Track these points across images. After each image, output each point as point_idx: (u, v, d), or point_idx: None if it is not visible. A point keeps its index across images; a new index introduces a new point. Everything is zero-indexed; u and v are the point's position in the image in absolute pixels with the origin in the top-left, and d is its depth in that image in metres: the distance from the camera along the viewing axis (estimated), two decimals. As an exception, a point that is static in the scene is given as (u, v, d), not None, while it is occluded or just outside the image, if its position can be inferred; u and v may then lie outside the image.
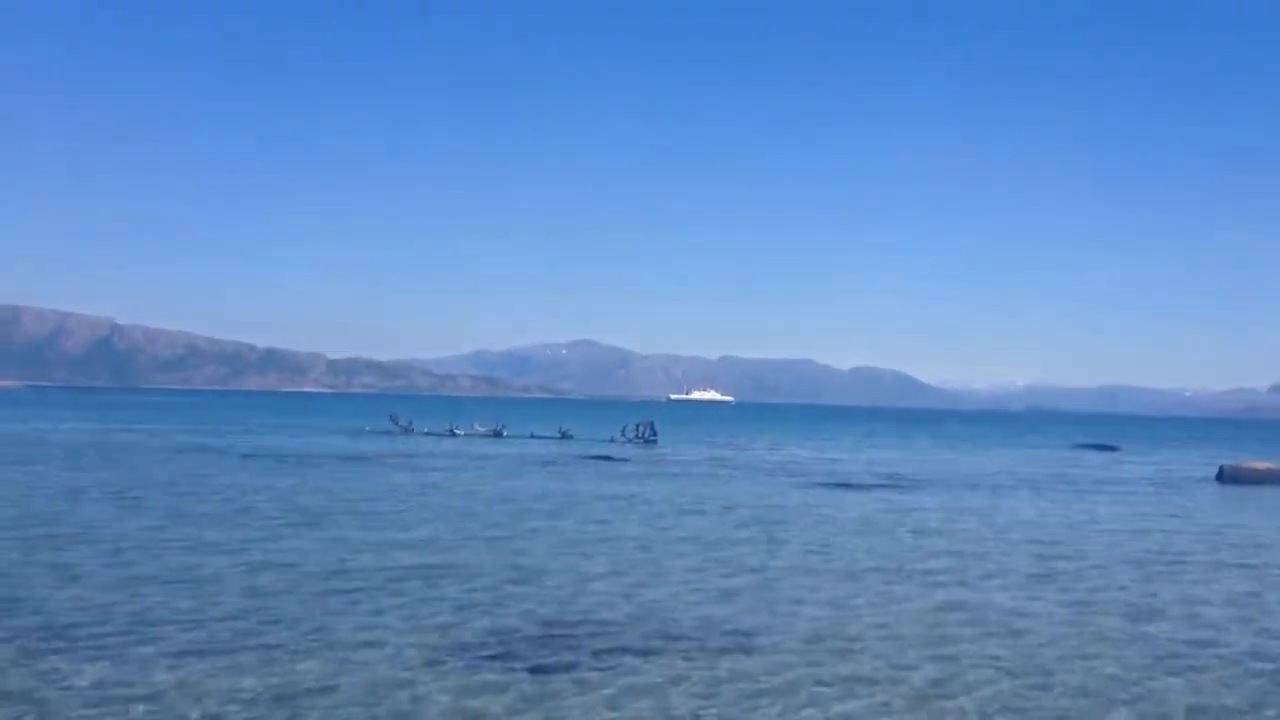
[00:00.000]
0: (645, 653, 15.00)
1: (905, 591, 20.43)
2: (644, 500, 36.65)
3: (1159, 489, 49.52)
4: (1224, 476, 55.31)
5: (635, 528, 29.12)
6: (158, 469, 43.96)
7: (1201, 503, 42.93)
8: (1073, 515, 35.77)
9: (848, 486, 45.23)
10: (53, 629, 15.38)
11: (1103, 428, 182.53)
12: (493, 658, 14.55)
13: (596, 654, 14.87)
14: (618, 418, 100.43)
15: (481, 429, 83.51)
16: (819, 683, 13.82)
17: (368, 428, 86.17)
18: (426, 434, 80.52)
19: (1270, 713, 13.26)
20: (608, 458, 58.56)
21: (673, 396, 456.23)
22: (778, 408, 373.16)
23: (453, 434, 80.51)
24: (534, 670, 13.99)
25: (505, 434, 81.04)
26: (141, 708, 12.15)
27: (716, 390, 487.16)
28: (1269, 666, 15.42)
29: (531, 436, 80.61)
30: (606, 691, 13.19)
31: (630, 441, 76.21)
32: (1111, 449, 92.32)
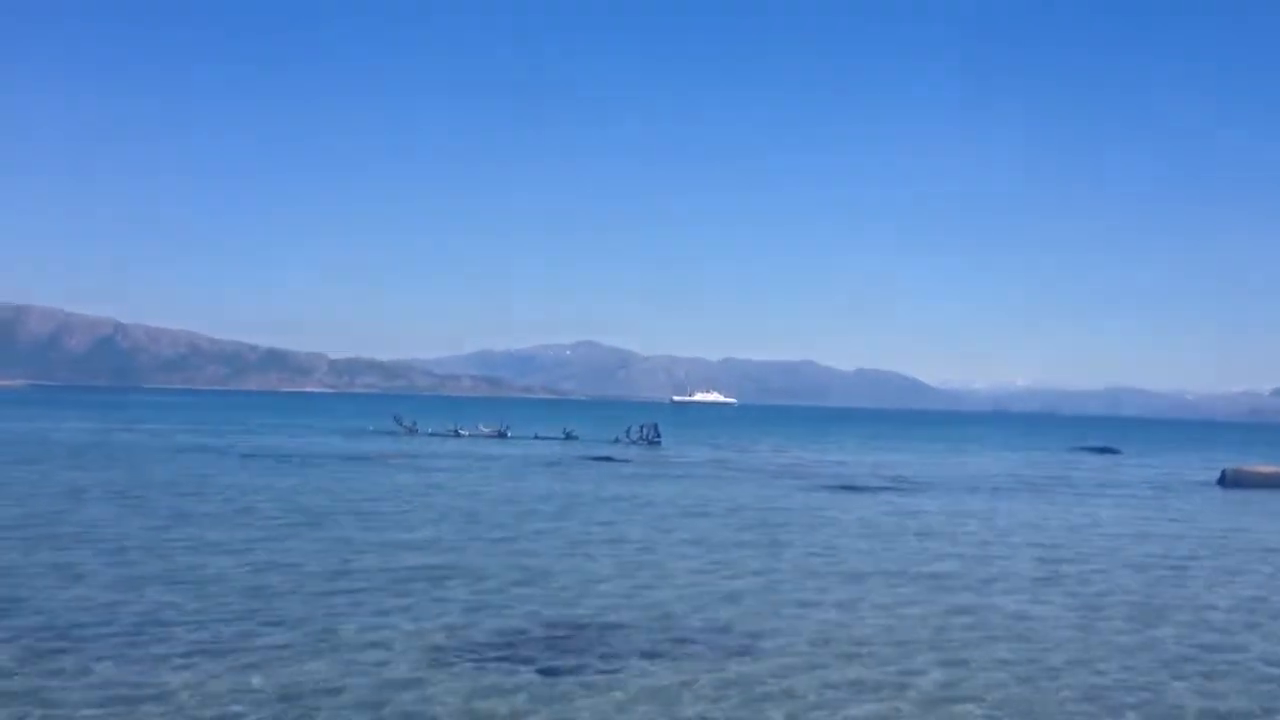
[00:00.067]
0: (652, 655, 14.97)
1: (911, 595, 20.38)
2: (648, 502, 36.61)
3: (1161, 492, 49.44)
4: (1226, 480, 55.18)
5: (640, 529, 29.08)
6: (160, 469, 43.95)
7: (1204, 507, 42.86)
8: (1075, 519, 35.71)
9: (851, 489, 45.18)
10: (58, 629, 15.35)
11: (1104, 430, 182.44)
12: (500, 659, 14.52)
13: (604, 656, 14.84)
14: (621, 419, 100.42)
15: (485, 430, 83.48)
16: (827, 686, 13.77)
17: (371, 428, 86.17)
18: (430, 434, 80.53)
19: (1280, 718, 13.22)
20: (612, 459, 58.53)
21: (675, 398, 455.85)
22: (780, 409, 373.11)
23: (457, 434, 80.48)
24: (541, 672, 13.95)
25: (509, 435, 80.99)
26: (149, 708, 12.11)
27: (719, 392, 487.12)
28: (1279, 671, 15.37)
29: (536, 437, 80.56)
30: (616, 694, 13.15)
31: (634, 443, 76.22)
32: (1113, 452, 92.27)
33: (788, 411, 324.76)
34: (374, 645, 15.05)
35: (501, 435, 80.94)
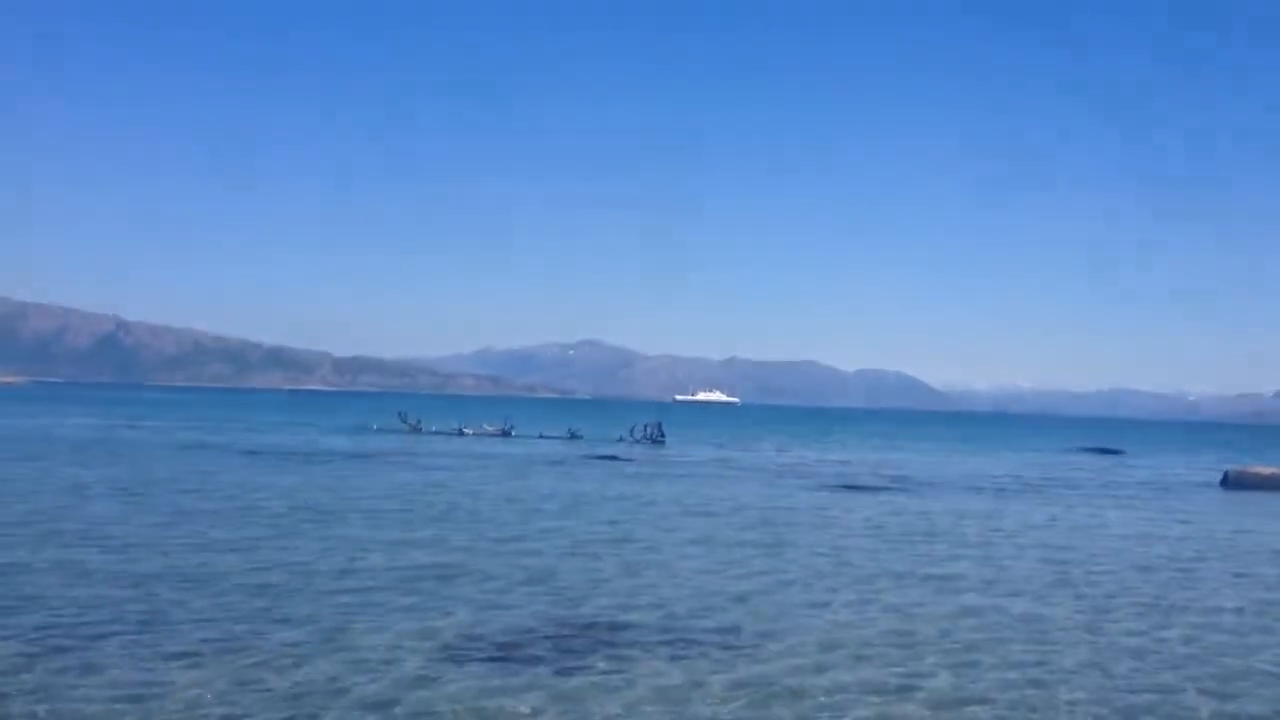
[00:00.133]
0: (662, 655, 14.90)
1: (918, 596, 20.32)
2: (653, 501, 36.57)
3: (1163, 494, 49.37)
4: (1229, 481, 55.14)
5: (645, 529, 29.04)
6: (163, 466, 43.92)
7: (1206, 508, 42.79)
8: (1079, 520, 35.64)
9: (855, 489, 45.13)
10: (65, 627, 15.30)
11: (1106, 431, 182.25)
12: (509, 659, 14.46)
13: (613, 656, 14.78)
14: (624, 418, 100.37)
15: (490, 428, 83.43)
16: (837, 687, 13.70)
17: (375, 426, 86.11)
18: (435, 433, 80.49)
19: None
20: (616, 458, 58.51)
21: (678, 397, 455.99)
22: (783, 409, 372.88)
23: (461, 433, 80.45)
24: (551, 671, 13.88)
25: (514, 434, 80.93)
26: (157, 706, 12.05)
27: (721, 391, 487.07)
28: (1290, 674, 15.31)
29: (540, 437, 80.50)
30: (626, 694, 13.09)
31: (638, 442, 76.24)
32: (1115, 453, 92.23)
33: (790, 411, 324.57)
34: (382, 644, 15.00)
35: (506, 434, 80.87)
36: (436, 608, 17.54)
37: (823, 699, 13.25)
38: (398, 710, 12.31)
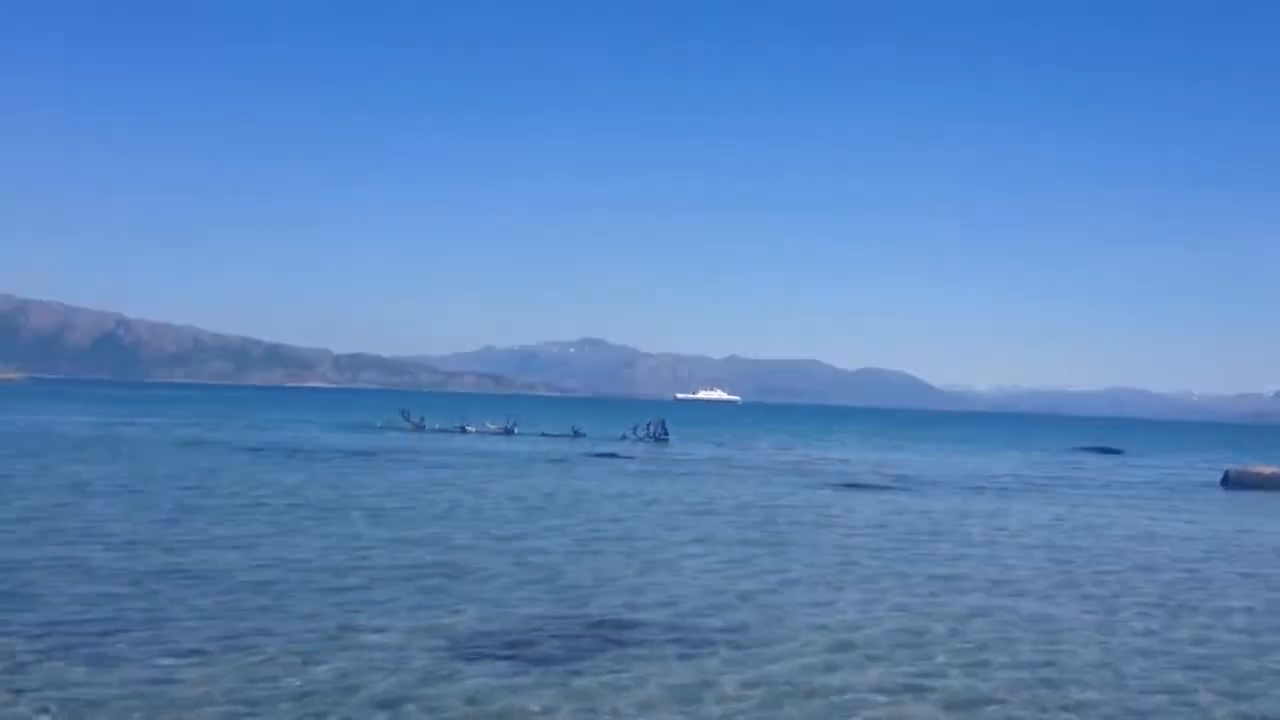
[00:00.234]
0: (671, 655, 14.80)
1: (925, 595, 20.20)
2: (656, 499, 36.47)
3: (1164, 493, 49.29)
4: (1229, 481, 55.12)
5: (649, 527, 28.94)
6: (164, 463, 43.81)
7: (1208, 507, 42.69)
8: (1082, 519, 35.52)
9: (858, 487, 45.04)
10: (69, 624, 15.19)
11: (1107, 431, 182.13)
12: (517, 657, 14.36)
13: (622, 655, 14.67)
14: (627, 416, 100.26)
15: (493, 426, 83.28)
16: (848, 687, 13.59)
17: (379, 423, 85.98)
18: (438, 431, 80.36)
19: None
20: (618, 456, 58.44)
21: (679, 396, 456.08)
22: (784, 408, 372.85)
23: (463, 431, 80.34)
24: (560, 670, 13.77)
25: (516, 432, 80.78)
26: (163, 705, 11.95)
27: (722, 390, 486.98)
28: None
29: (543, 435, 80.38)
30: (637, 693, 12.97)
31: (642, 440, 76.21)
32: (1116, 452, 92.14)
33: (790, 410, 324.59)
34: (389, 642, 14.89)
35: (508, 432, 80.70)
36: (443, 605, 17.43)
37: (834, 699, 13.15)
38: (409, 708, 12.21)
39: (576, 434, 79.66)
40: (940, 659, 15.20)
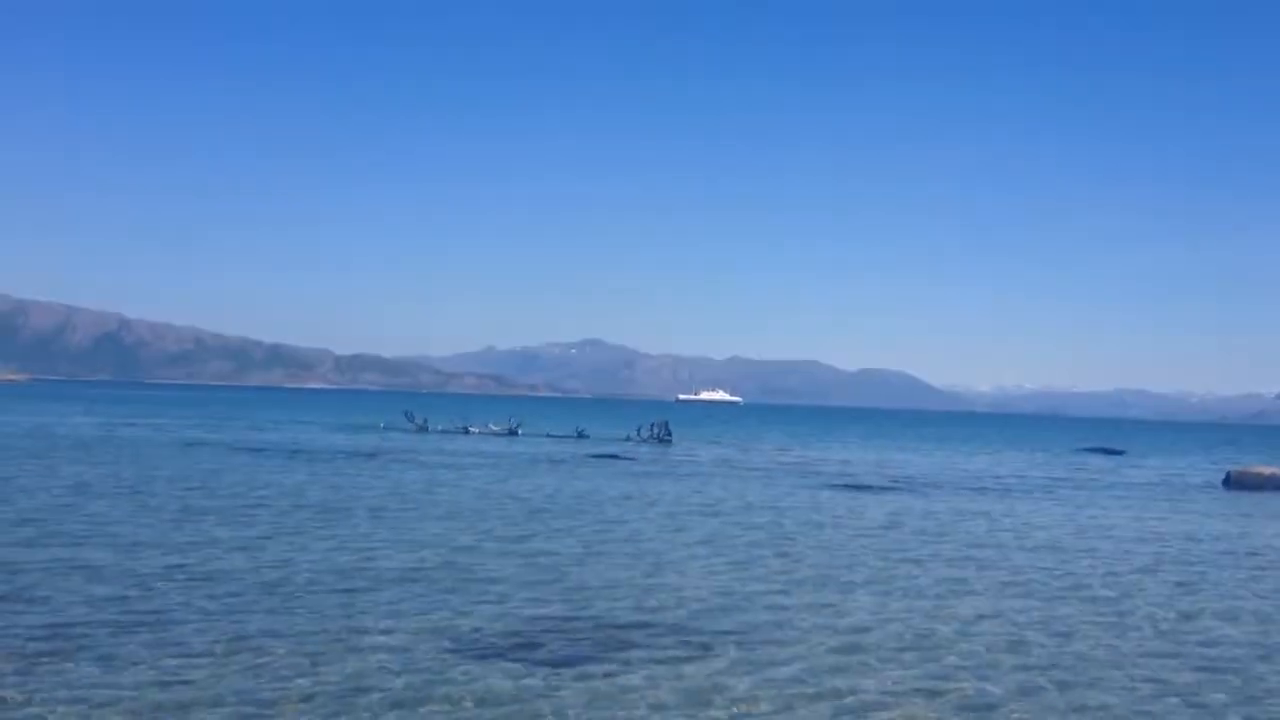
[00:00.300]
0: (679, 656, 14.73)
1: (933, 597, 20.13)
2: (660, 500, 36.40)
3: (1166, 494, 49.20)
4: (1231, 482, 55.09)
5: (654, 528, 28.88)
6: (166, 464, 43.74)
7: (1210, 508, 42.60)
8: (1085, 521, 35.45)
9: (859, 488, 44.98)
10: (75, 626, 15.12)
11: (1108, 431, 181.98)
12: (527, 659, 14.28)
13: (631, 656, 14.59)
14: (629, 417, 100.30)
15: (496, 428, 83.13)
16: (858, 690, 13.51)
17: (383, 424, 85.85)
18: (441, 432, 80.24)
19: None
20: (622, 457, 58.37)
21: (681, 397, 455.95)
22: (785, 409, 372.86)
23: (467, 432, 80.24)
24: (571, 672, 13.69)
25: (520, 433, 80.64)
26: (171, 707, 11.89)
27: (723, 391, 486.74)
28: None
29: (547, 436, 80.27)
30: (649, 694, 12.89)
31: (645, 441, 76.17)
32: (1117, 453, 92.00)
33: (791, 411, 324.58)
34: (398, 644, 14.82)
35: (512, 433, 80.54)
36: (449, 607, 17.37)
37: (849, 700, 13.09)
38: (419, 709, 12.15)
39: (581, 435, 79.51)
40: (950, 661, 15.13)
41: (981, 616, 18.37)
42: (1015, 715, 12.84)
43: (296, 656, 13.97)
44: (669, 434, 78.28)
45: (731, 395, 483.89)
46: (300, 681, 12.91)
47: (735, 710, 12.58)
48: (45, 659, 13.47)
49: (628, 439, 76.47)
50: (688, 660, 14.56)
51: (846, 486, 45.57)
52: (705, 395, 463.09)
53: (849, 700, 13.11)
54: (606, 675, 13.68)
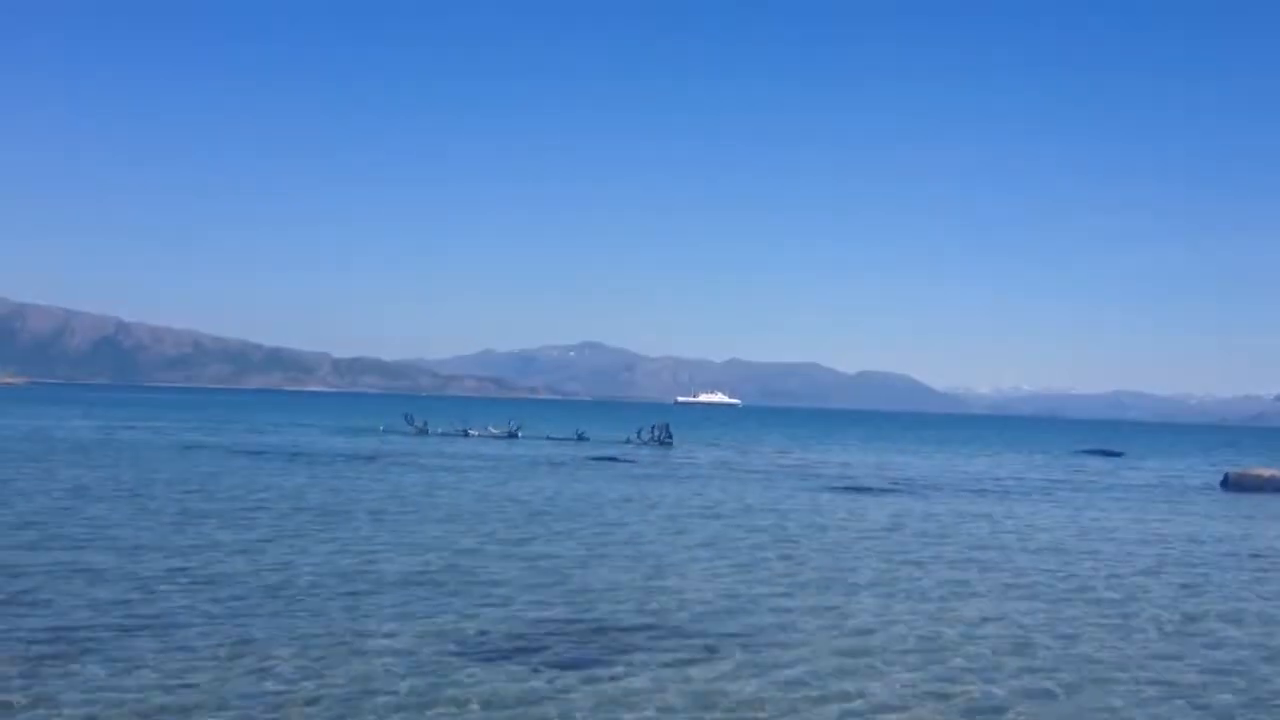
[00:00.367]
0: (683, 659, 14.68)
1: (936, 599, 20.08)
2: (661, 503, 36.35)
3: (1165, 496, 49.18)
4: (1229, 483, 55.09)
5: (655, 530, 28.83)
6: (166, 467, 43.69)
7: (1210, 510, 42.58)
8: (1086, 522, 35.41)
9: (860, 490, 44.94)
10: (78, 630, 15.08)
11: (1107, 434, 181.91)
12: (531, 662, 14.24)
13: (635, 659, 14.55)
14: (628, 420, 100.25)
15: (495, 430, 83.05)
16: (864, 694, 13.46)
17: (382, 427, 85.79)
18: (441, 434, 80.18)
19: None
20: (622, 460, 58.29)
21: (680, 399, 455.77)
22: (784, 411, 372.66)
23: (466, 435, 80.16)
24: (576, 675, 13.64)
25: (520, 435, 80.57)
26: (174, 710, 11.85)
27: (723, 393, 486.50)
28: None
29: (547, 438, 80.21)
30: (656, 697, 12.85)
31: (646, 444, 76.09)
32: (1116, 455, 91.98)
33: (791, 413, 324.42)
34: (402, 647, 14.78)
35: (511, 436, 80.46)
36: (454, 610, 17.32)
37: (856, 703, 13.05)
38: (424, 712, 12.11)
39: (580, 438, 79.45)
40: (956, 663, 15.09)
41: (986, 619, 18.34)
42: (1022, 718, 12.81)
43: (301, 660, 13.93)
44: (670, 436, 78.20)
45: (731, 397, 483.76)
46: (305, 685, 12.88)
47: (742, 714, 12.54)
48: (50, 662, 13.44)
49: (628, 441, 76.41)
50: (693, 663, 14.52)
51: (847, 489, 45.53)
52: (705, 398, 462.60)
53: (856, 703, 13.07)
54: (612, 678, 13.65)
